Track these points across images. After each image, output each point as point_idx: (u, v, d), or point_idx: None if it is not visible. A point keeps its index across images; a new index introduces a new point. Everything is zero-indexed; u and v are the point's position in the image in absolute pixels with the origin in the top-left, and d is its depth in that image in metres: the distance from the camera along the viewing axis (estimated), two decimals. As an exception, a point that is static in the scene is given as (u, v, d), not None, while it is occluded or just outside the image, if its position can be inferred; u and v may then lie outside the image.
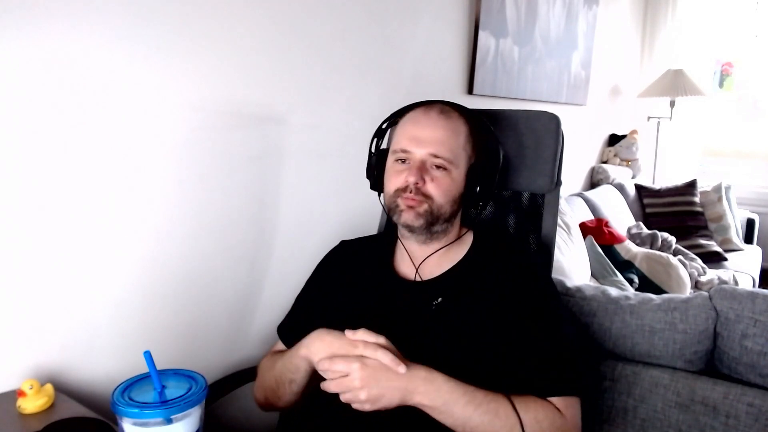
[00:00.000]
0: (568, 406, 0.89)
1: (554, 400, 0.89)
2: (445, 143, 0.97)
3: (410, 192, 0.96)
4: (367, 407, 0.84)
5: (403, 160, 0.99)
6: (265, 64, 1.30)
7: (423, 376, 0.85)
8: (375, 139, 1.10)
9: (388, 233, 1.14)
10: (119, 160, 1.05)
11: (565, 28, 2.83)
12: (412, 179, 0.96)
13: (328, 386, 0.85)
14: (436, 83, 1.98)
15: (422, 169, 0.96)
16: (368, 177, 1.10)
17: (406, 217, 0.98)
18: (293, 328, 1.11)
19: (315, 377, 1.10)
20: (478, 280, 1.00)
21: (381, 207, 1.06)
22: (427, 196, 0.97)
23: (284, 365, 0.97)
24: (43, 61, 0.93)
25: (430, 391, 0.84)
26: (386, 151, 1.06)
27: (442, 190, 0.97)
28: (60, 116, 0.96)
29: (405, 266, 1.06)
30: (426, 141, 0.97)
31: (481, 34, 2.12)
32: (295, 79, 1.38)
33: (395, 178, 1.00)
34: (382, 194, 1.07)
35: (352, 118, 1.54)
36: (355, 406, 0.85)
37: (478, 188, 1.01)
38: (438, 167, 0.97)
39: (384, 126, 1.10)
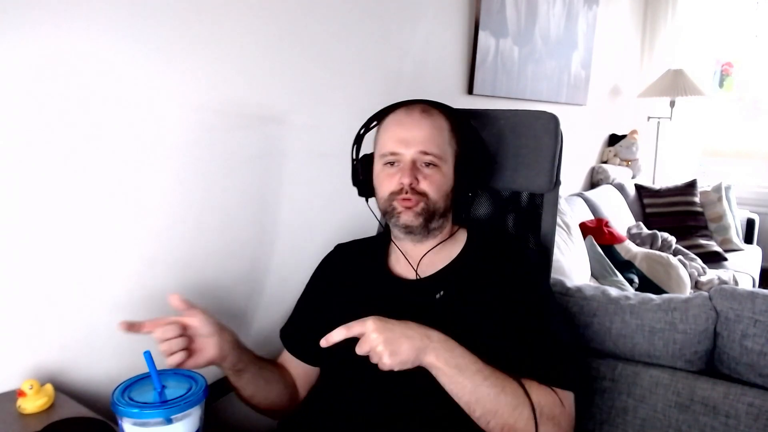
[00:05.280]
0: (565, 398, 0.90)
1: (554, 390, 0.90)
2: (432, 140, 0.98)
3: (405, 192, 0.97)
4: (387, 362, 0.82)
5: (392, 163, 0.99)
6: (265, 64, 1.30)
7: (438, 336, 0.86)
8: (355, 146, 1.09)
9: (382, 235, 1.15)
10: (119, 159, 1.05)
11: (565, 28, 2.83)
12: (406, 180, 0.96)
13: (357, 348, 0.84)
14: (436, 83, 1.98)
15: (414, 168, 0.97)
16: (355, 184, 1.10)
17: (405, 219, 0.98)
18: (294, 332, 1.12)
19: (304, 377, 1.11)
20: (476, 275, 1.00)
21: (378, 209, 1.07)
22: (422, 194, 0.97)
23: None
24: (42, 61, 0.93)
25: (444, 350, 0.85)
26: (371, 156, 1.06)
27: (435, 186, 0.98)
28: (59, 116, 0.96)
29: (400, 267, 1.06)
30: (413, 141, 0.97)
31: (481, 34, 2.12)
32: (295, 79, 1.38)
33: (388, 181, 1.00)
34: (370, 200, 1.08)
35: (352, 118, 1.53)
36: (374, 359, 0.84)
37: (467, 178, 1.02)
38: (428, 164, 0.98)
39: (362, 132, 1.09)
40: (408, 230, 0.99)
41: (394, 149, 0.98)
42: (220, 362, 0.93)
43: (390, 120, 1.02)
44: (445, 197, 1.00)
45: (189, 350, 0.88)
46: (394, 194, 0.98)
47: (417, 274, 1.03)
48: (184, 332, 0.88)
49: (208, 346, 0.90)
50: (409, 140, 0.97)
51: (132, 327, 0.85)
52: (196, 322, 0.89)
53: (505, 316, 0.94)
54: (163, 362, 0.85)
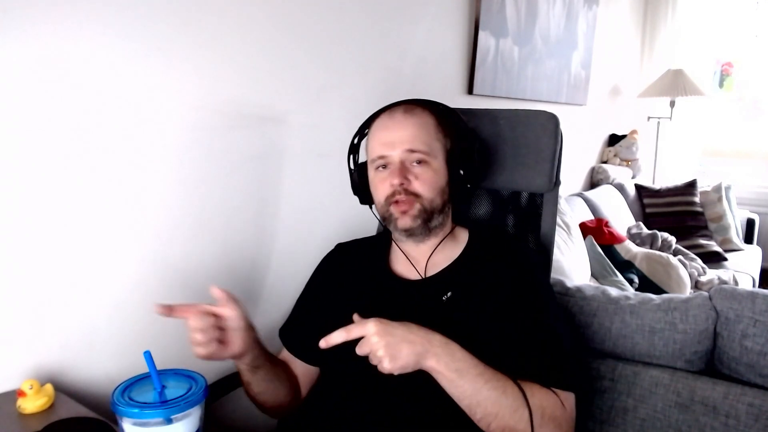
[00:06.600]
0: (566, 399, 0.90)
1: (555, 391, 0.90)
2: (417, 137, 0.98)
3: (398, 194, 0.97)
4: (387, 367, 0.82)
5: (384, 166, 1.00)
6: (265, 64, 1.30)
7: (439, 340, 0.86)
8: (351, 155, 1.10)
9: (383, 234, 1.15)
10: (119, 160, 1.05)
11: (565, 28, 2.83)
12: (396, 181, 0.96)
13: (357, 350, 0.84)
14: (436, 83, 1.98)
15: (403, 169, 0.97)
16: (355, 193, 1.10)
17: (403, 223, 0.98)
18: (294, 332, 1.12)
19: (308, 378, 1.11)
20: (479, 274, 1.00)
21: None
22: (416, 195, 0.97)
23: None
24: (42, 61, 0.93)
25: (445, 354, 0.85)
26: (365, 164, 1.07)
27: (428, 184, 0.98)
28: (59, 116, 0.96)
29: (401, 266, 1.06)
30: (398, 141, 0.98)
31: (481, 34, 2.12)
32: (295, 79, 1.38)
33: (381, 186, 1.00)
34: (373, 206, 1.08)
35: (352, 118, 1.53)
36: (373, 362, 0.83)
37: (462, 171, 1.02)
38: (418, 162, 0.98)
39: (356, 141, 1.10)
40: (409, 233, 1.00)
41: (381, 152, 0.99)
42: (241, 357, 0.92)
43: (375, 125, 1.03)
44: (440, 193, 1.00)
45: (218, 341, 0.88)
46: (389, 199, 0.99)
47: (422, 273, 1.03)
48: (217, 323, 0.87)
49: (236, 339, 0.90)
50: (394, 141, 0.98)
51: (167, 310, 0.84)
52: (230, 313, 0.88)
53: (506, 317, 0.94)
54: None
